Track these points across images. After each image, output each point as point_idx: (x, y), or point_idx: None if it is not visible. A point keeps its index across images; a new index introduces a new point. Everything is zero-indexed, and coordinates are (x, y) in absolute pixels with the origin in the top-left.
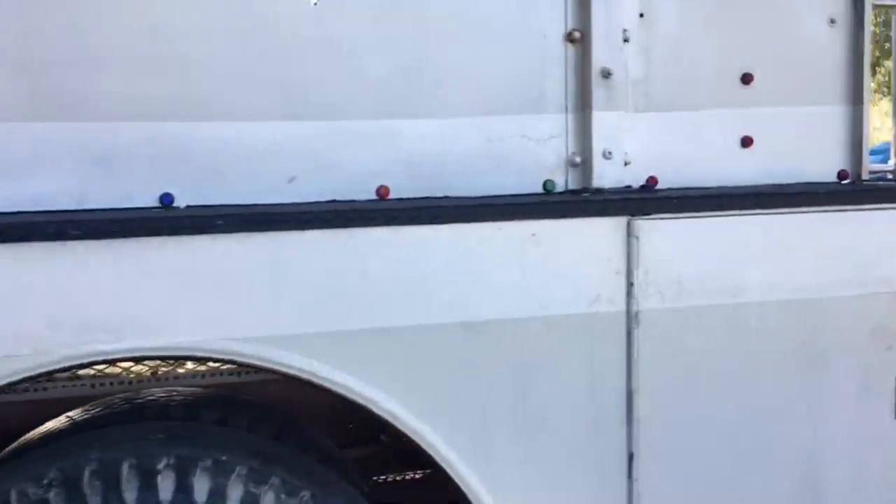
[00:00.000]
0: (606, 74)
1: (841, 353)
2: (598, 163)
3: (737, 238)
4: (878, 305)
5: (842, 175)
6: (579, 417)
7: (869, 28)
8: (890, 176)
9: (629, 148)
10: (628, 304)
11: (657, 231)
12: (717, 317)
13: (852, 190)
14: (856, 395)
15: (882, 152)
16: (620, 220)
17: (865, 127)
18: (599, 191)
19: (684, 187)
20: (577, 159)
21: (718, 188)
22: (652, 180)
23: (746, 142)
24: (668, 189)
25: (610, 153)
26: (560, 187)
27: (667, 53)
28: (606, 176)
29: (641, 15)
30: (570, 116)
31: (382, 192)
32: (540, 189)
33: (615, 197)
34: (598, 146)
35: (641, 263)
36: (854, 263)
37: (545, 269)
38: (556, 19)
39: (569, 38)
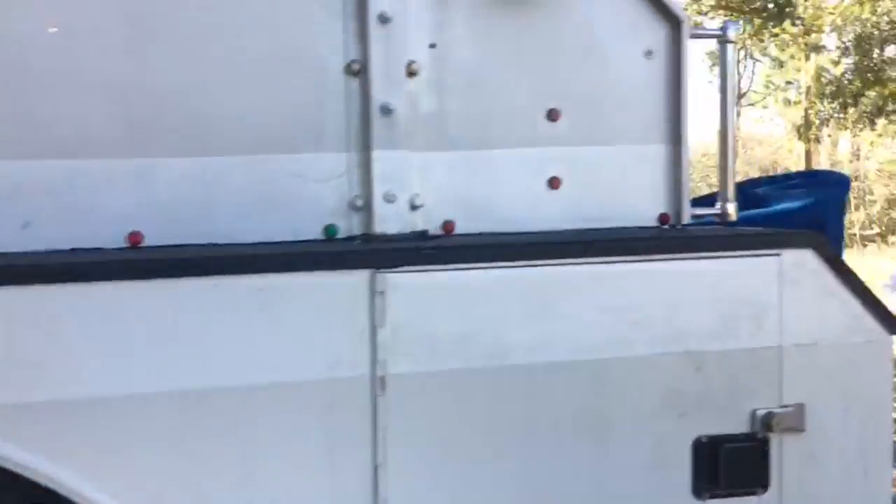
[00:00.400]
0: (387, 111)
1: (628, 420)
2: (379, 206)
3: (504, 292)
4: (669, 366)
5: (663, 219)
6: (317, 497)
7: (688, 60)
8: (717, 220)
9: (421, 190)
10: (373, 368)
11: (406, 286)
12: (480, 381)
13: (637, 238)
14: (646, 468)
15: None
16: (363, 274)
17: (684, 167)
18: (371, 237)
19: (480, 233)
20: (360, 202)
21: (481, 235)
22: (449, 226)
23: (554, 183)
24: (440, 236)
25: (393, 196)
26: (344, 232)
27: (463, 87)
28: (390, 221)
29: (433, 45)
30: (352, 156)
31: (134, 238)
32: (320, 234)
33: (358, 247)
34: (379, 188)
35: (388, 322)
36: (642, 320)
37: (275, 330)
38: (336, 49)
39: (348, 70)
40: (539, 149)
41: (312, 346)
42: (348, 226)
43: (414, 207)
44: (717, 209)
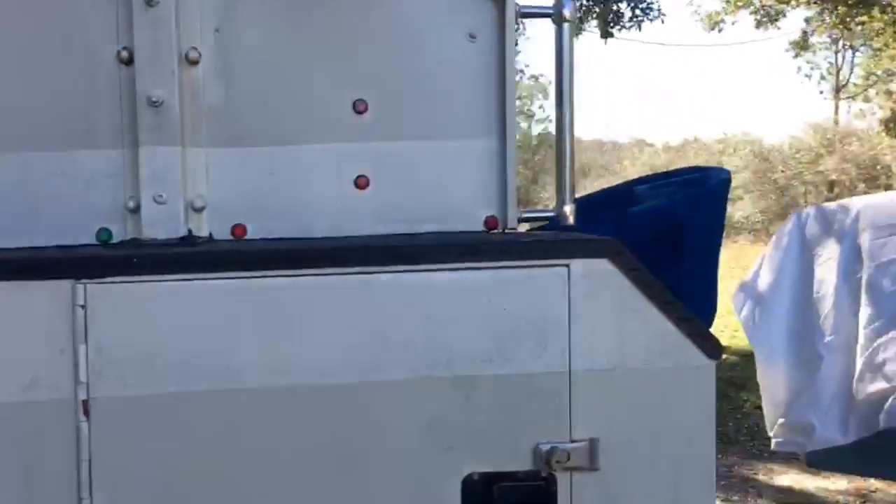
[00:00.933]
0: (155, 102)
1: (384, 454)
2: (148, 208)
3: (235, 306)
4: (432, 393)
5: (491, 223)
6: None
7: (513, 43)
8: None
9: (206, 191)
10: (75, 390)
11: (116, 298)
12: (206, 407)
13: (392, 246)
14: None
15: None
16: (62, 285)
17: (510, 164)
18: (141, 243)
19: (275, 238)
20: (132, 204)
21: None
22: (238, 230)
23: (360, 183)
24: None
25: (162, 197)
26: (120, 236)
27: (254, 76)
28: (160, 224)
29: (217, 30)
30: (126, 153)
31: None
32: (94, 239)
33: (57, 254)
34: (147, 189)
35: (93, 339)
36: (400, 339)
37: None
38: (107, 35)
39: (119, 58)
40: (343, 144)
41: (4, 364)
42: (124, 229)
43: (196, 209)
44: (552, 212)
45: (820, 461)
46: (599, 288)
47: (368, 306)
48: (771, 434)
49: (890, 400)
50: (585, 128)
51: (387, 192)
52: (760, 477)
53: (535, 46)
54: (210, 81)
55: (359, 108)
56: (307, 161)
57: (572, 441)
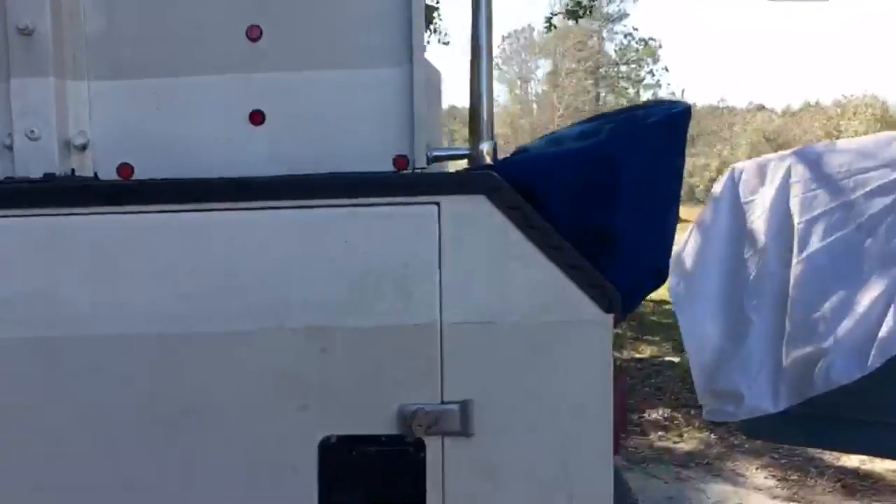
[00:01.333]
0: (24, 30)
1: (227, 412)
2: (21, 145)
3: (49, 246)
4: (282, 346)
5: (400, 163)
6: None
7: None
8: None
9: (88, 127)
10: None
11: None
12: (27, 354)
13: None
14: (257, 473)
15: None
16: None
17: (419, 97)
18: (15, 182)
19: (167, 178)
20: (8, 141)
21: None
22: (125, 169)
23: (255, 118)
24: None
25: (33, 133)
26: (0, 175)
27: (139, 2)
28: (34, 162)
29: None
30: (3, 86)
31: None
32: None
33: None
34: (20, 124)
35: None
36: (242, 285)
37: None
38: None
39: None
40: (235, 76)
41: None
42: (3, 167)
43: (78, 147)
44: (466, 150)
45: (757, 431)
46: (474, 229)
47: (210, 248)
48: (701, 402)
49: (823, 361)
50: (700, 93)
51: (284, 128)
52: (826, 456)
53: (642, 10)
54: (90, 9)
55: (252, 34)
56: (197, 94)
57: (443, 402)
